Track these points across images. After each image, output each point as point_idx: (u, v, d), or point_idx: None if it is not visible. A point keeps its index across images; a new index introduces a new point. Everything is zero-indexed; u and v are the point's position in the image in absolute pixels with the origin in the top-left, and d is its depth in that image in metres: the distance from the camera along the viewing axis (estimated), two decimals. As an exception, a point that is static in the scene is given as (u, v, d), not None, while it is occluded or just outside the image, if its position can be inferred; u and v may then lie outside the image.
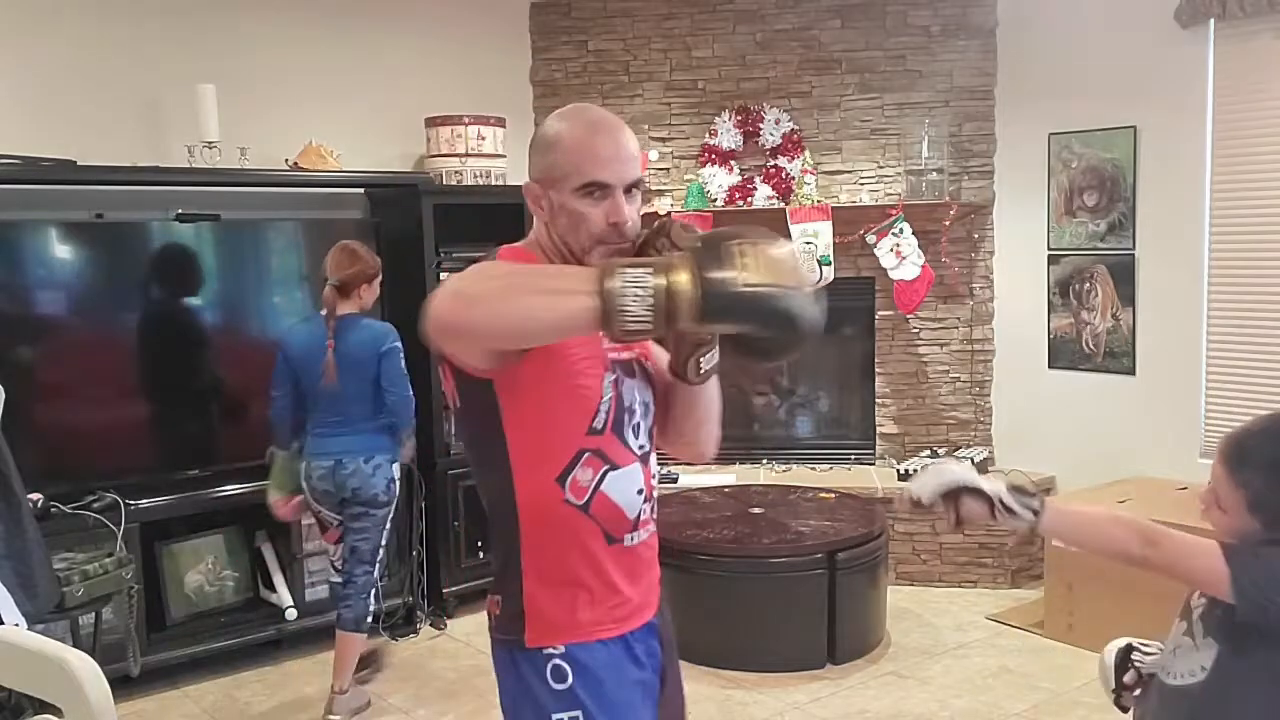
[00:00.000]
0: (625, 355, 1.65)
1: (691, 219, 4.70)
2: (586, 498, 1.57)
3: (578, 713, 1.55)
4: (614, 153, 1.54)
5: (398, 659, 4.07)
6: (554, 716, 1.55)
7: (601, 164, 1.54)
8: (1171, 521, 3.80)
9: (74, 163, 3.73)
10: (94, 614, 3.34)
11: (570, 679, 1.56)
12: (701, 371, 1.60)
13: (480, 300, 1.39)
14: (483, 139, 4.53)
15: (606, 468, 1.59)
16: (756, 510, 4.21)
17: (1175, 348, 4.31)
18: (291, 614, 4.04)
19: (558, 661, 1.56)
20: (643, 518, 1.65)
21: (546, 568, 1.58)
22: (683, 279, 1.30)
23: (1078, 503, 4.05)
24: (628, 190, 1.56)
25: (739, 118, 4.92)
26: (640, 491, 1.64)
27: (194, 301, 4.10)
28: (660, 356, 1.70)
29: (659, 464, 1.75)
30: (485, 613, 1.68)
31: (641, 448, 1.65)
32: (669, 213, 4.96)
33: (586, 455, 1.57)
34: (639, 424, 1.65)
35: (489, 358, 1.49)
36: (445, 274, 4.38)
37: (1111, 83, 4.41)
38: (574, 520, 1.57)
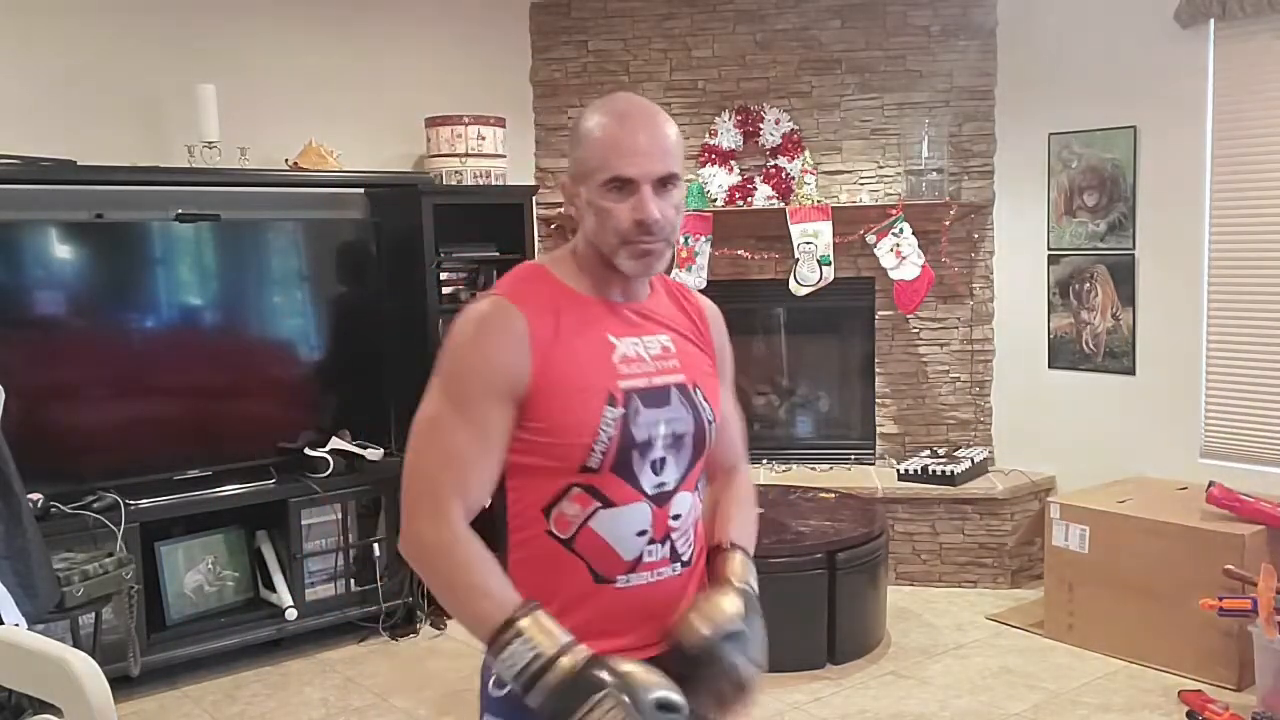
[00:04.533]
0: (658, 382, 1.53)
1: (691, 219, 4.70)
2: (571, 533, 1.49)
3: None
4: (640, 145, 1.46)
5: (398, 659, 4.07)
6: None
7: (625, 157, 1.46)
8: (1172, 521, 3.82)
9: (74, 163, 3.72)
10: (94, 614, 3.34)
11: (508, 688, 1.46)
12: None
13: (418, 561, 1.47)
14: (483, 139, 4.53)
15: (598, 505, 1.48)
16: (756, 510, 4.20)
17: (1175, 348, 4.30)
18: (291, 614, 4.04)
19: None
20: (648, 560, 1.51)
21: (522, 588, 1.47)
22: (565, 664, 1.37)
23: (1079, 499, 4.08)
24: (662, 185, 1.48)
25: (739, 118, 4.92)
26: (643, 533, 1.50)
27: (194, 301, 4.10)
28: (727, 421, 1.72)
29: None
30: None
31: (660, 485, 1.51)
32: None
33: (575, 490, 1.48)
34: (661, 459, 1.51)
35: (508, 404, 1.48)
36: (445, 274, 4.39)
37: (1111, 83, 4.41)
38: (556, 553, 1.49)
